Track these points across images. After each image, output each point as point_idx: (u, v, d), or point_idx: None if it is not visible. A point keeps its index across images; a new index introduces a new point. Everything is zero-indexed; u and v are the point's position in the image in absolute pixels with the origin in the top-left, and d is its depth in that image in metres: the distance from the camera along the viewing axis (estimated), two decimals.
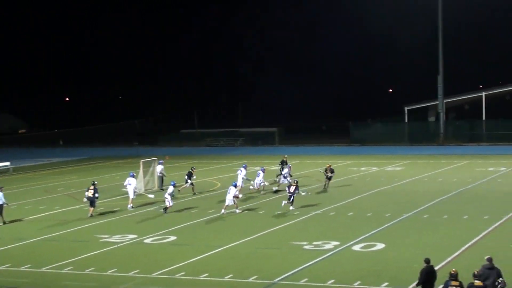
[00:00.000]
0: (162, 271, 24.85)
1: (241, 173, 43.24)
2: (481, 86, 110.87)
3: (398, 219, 33.65)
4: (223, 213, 36.00)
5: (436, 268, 23.99)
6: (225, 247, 28.48)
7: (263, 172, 43.17)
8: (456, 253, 26.28)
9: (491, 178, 47.80)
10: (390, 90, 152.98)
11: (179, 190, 42.67)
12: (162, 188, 45.45)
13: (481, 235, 29.39)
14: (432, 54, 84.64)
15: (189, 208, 38.67)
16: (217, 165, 63.49)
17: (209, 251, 27.76)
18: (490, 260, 19.32)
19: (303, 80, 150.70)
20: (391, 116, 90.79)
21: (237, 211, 36.58)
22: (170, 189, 37.15)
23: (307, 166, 59.10)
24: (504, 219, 32.88)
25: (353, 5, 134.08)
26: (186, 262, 26.05)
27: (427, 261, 19.80)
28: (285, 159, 47.68)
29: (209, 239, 30.31)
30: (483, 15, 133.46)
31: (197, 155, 75.25)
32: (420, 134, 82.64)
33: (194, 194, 43.63)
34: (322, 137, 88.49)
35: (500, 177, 48.58)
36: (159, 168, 46.61)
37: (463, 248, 27.07)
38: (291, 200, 36.73)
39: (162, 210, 37.17)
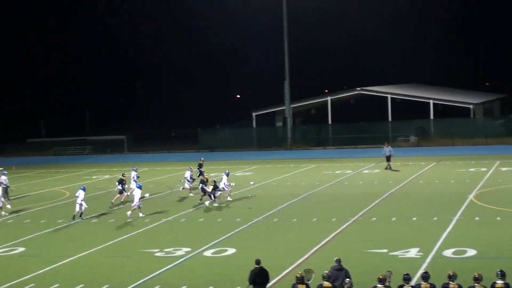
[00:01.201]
0: (11, 283, 24.01)
1: (223, 179, 41.85)
2: (326, 90, 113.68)
3: (249, 224, 33.87)
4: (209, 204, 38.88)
5: (286, 271, 24.42)
6: (75, 256, 27.88)
7: (227, 176, 42.11)
8: (306, 256, 26.68)
9: (338, 181, 48.92)
10: (238, 96, 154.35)
11: (112, 202, 41.26)
12: (9, 198, 44.05)
13: (329, 237, 29.98)
14: (279, 59, 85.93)
15: (38, 218, 37.62)
16: (65, 174, 62.15)
17: (59, 261, 27.10)
18: (338, 261, 19.70)
19: (151, 86, 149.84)
20: (239, 122, 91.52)
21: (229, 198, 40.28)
22: (81, 194, 36.59)
23: (156, 173, 58.77)
24: (351, 220, 33.67)
25: (198, 12, 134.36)
26: (35, 273, 25.34)
27: (257, 262, 20.13)
28: (201, 162, 48.26)
29: (59, 249, 29.61)
30: (329, 20, 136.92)
31: (45, 164, 73.41)
32: (268, 139, 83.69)
33: (122, 203, 41.81)
34: (172, 144, 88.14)
35: (346, 180, 49.81)
36: (3, 178, 45.05)
37: (313, 250, 27.52)
38: (213, 199, 38.76)
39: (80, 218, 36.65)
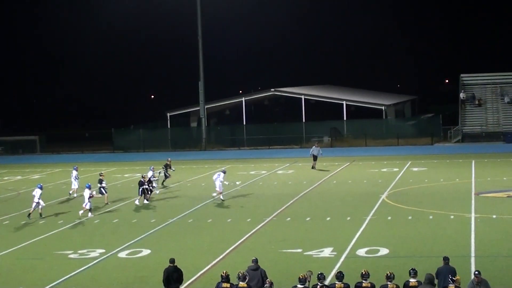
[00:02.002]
0: None
1: (219, 177, 41.14)
2: (241, 91, 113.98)
3: (163, 225, 33.72)
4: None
5: (202, 271, 24.42)
6: None
7: (224, 173, 41.78)
8: (221, 256, 26.72)
9: (252, 182, 49.10)
10: (152, 96, 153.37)
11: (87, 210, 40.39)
12: None
13: (244, 238, 30.09)
14: (193, 60, 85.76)
15: None
16: None
17: None
18: (255, 261, 19.82)
19: (64, 86, 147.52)
20: (153, 122, 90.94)
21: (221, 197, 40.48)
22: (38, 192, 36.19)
23: (69, 174, 57.84)
24: (265, 221, 33.85)
25: (110, 11, 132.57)
26: None
27: (171, 261, 20.30)
28: (169, 163, 48.05)
29: None
30: (244, 21, 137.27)
31: None
32: (183, 140, 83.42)
33: (107, 203, 40.79)
34: (85, 145, 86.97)
35: (261, 180, 50.05)
36: None
37: (228, 251, 27.57)
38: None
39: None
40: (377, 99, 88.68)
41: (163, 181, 47.71)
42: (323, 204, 38.53)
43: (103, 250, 28.05)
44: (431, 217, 33.44)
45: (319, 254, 26.61)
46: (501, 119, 77.55)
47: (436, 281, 18.53)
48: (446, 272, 19.02)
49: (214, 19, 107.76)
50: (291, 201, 39.52)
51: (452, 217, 33.20)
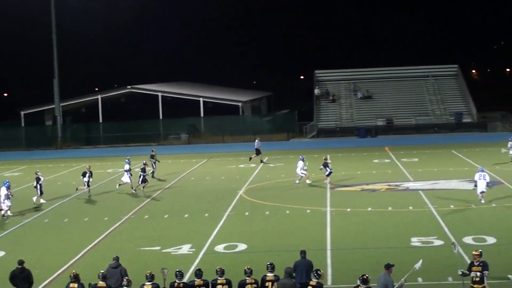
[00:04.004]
0: None
1: (299, 165, 42.06)
2: (97, 89, 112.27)
3: (18, 225, 32.97)
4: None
5: (59, 271, 24.05)
6: None
7: (303, 161, 42.25)
8: (79, 255, 26.39)
9: (110, 180, 48.54)
10: (5, 94, 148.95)
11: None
12: None
13: (102, 236, 29.79)
14: (47, 57, 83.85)
15: None
16: None
17: None
18: (116, 259, 19.77)
19: None
20: (6, 121, 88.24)
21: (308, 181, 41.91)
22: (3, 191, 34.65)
23: None
24: (123, 219, 33.63)
25: None
26: None
27: (20, 262, 20.08)
28: (153, 153, 48.56)
29: None
30: (98, 17, 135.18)
31: None
32: (38, 139, 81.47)
33: (90, 196, 40.34)
34: None
35: (118, 178, 49.36)
36: None
37: (85, 250, 27.24)
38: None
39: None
40: (234, 96, 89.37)
41: (153, 173, 47.52)
42: (181, 201, 38.58)
43: None
44: (288, 211, 34.07)
45: (177, 251, 26.66)
46: (355, 114, 79.74)
47: (294, 275, 18.89)
48: (304, 265, 19.44)
49: (68, 15, 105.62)
50: (149, 199, 39.37)
51: (308, 211, 33.94)
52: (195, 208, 35.98)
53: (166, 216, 34.15)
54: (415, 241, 26.96)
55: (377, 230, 29.25)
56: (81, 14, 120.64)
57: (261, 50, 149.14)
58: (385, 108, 79.99)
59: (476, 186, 34.25)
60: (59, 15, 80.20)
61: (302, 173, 42.15)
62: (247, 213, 33.99)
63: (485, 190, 34.01)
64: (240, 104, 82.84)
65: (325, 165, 42.51)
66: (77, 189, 41.71)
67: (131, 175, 42.62)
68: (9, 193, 35.62)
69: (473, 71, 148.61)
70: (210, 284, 18.31)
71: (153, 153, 49.49)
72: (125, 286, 18.02)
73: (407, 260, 23.87)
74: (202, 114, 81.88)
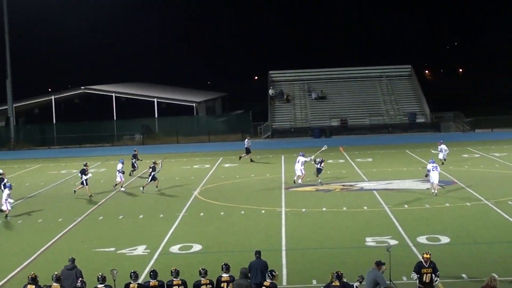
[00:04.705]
0: None
1: (299, 162, 41.89)
2: (50, 89, 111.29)
3: None
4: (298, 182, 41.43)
5: (13, 273, 23.81)
6: None
7: (303, 157, 41.99)
8: (33, 257, 26.15)
9: (64, 181, 48.16)
10: None
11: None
12: None
13: (56, 238, 29.54)
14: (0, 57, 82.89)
15: None
16: None
17: None
18: (72, 260, 19.63)
19: None
20: None
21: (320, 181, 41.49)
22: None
23: None
24: (77, 220, 33.38)
25: None
26: None
27: None
28: (135, 152, 48.61)
29: None
30: (51, 18, 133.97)
31: None
32: None
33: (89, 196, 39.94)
34: None
35: (72, 179, 48.99)
36: None
37: (39, 252, 26.99)
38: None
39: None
40: (188, 96, 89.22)
41: (131, 172, 47.84)
42: (136, 202, 38.41)
43: None
44: (243, 212, 34.09)
45: (132, 252, 26.54)
46: (309, 114, 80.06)
47: (249, 275, 18.91)
48: (258, 266, 19.47)
49: (21, 15, 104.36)
50: (103, 200, 39.12)
51: (263, 211, 33.99)
52: (150, 209, 35.85)
53: (120, 217, 33.97)
54: (369, 241, 27.15)
55: (332, 230, 29.39)
56: (34, 13, 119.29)
57: (215, 51, 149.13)
58: (339, 109, 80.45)
59: (428, 174, 36.89)
60: (11, 14, 79.26)
61: (302, 170, 42.14)
62: (202, 214, 33.94)
63: (438, 182, 36.28)
64: (194, 104, 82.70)
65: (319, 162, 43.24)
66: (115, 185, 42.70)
67: (123, 173, 42.91)
68: None
69: (426, 71, 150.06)
70: (165, 285, 18.27)
71: (136, 152, 49.69)
72: (79, 287, 17.88)
73: (361, 260, 24.09)
74: (156, 115, 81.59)
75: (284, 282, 22.39)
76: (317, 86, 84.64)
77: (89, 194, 40.37)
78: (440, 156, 47.57)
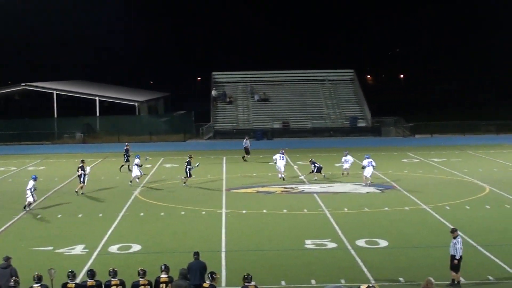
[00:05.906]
0: None
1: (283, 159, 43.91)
2: None
3: None
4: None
5: None
6: None
7: (283, 154, 43.84)
8: None
9: (1, 178, 47.47)
10: None
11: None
12: None
13: None
14: None
15: None
16: None
17: None
18: (6, 259, 19.36)
19: None
20: None
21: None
22: (30, 183, 34.29)
23: None
24: (15, 218, 32.97)
25: None
26: None
27: None
28: (127, 147, 50.33)
29: None
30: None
31: None
32: None
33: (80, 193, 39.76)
34: None
35: (11, 177, 48.42)
36: None
37: None
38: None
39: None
40: (130, 96, 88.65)
41: (121, 166, 49.85)
42: (75, 201, 38.03)
43: None
44: (183, 213, 34.03)
45: (70, 252, 26.30)
46: (251, 116, 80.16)
47: (188, 276, 18.87)
48: (197, 267, 19.46)
49: None
50: (42, 198, 38.64)
51: (203, 212, 33.97)
52: (89, 208, 35.57)
53: (59, 216, 33.61)
54: (309, 243, 27.30)
55: (272, 232, 29.49)
56: None
57: (158, 50, 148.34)
58: (282, 111, 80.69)
59: (364, 168, 40.74)
60: None
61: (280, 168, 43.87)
62: (142, 214, 33.77)
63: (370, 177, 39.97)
64: (136, 104, 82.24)
65: (312, 162, 44.50)
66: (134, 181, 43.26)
67: (141, 166, 44.19)
68: None
69: (368, 76, 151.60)
70: (103, 285, 18.13)
71: (127, 147, 50.52)
72: (13, 287, 17.63)
73: (300, 263, 24.22)
74: (98, 113, 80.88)
75: (224, 283, 22.40)
76: (260, 88, 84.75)
77: (76, 190, 40.25)
78: (345, 166, 45.04)
